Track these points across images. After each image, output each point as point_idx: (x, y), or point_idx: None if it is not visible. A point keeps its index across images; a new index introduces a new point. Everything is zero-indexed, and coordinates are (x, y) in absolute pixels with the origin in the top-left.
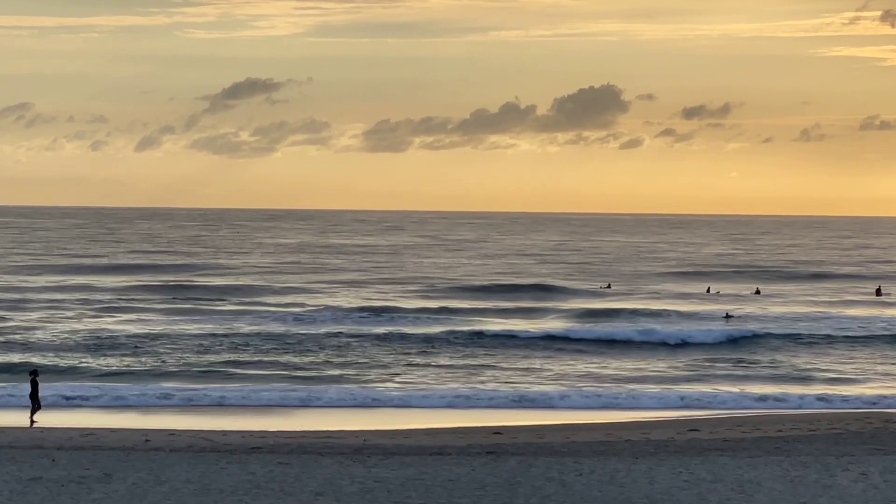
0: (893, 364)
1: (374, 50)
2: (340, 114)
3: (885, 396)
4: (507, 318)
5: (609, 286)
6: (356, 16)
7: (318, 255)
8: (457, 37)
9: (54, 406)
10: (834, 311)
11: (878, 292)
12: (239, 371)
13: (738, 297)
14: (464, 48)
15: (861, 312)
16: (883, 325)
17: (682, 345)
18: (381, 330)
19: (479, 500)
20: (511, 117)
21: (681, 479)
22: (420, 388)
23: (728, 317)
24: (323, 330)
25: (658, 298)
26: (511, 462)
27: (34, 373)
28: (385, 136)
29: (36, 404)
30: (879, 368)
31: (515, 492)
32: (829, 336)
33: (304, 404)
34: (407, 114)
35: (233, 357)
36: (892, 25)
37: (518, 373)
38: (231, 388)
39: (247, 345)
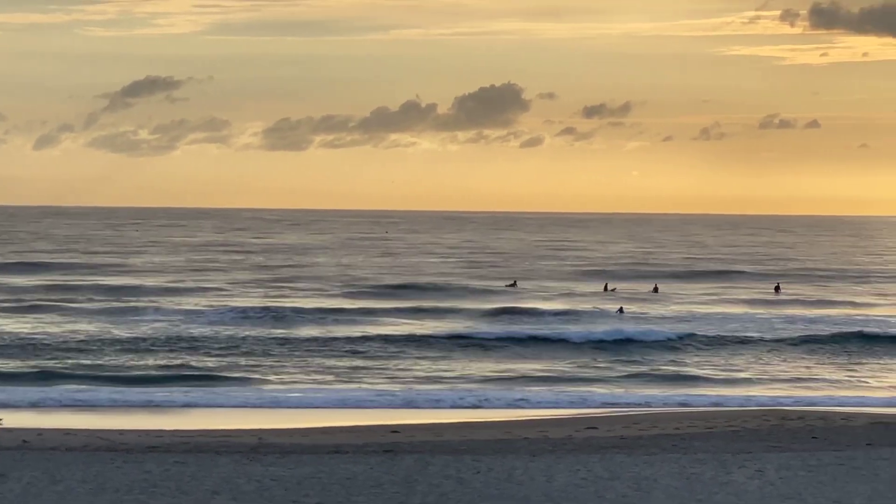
0: (791, 362)
1: (275, 48)
2: (241, 112)
3: (781, 395)
4: (409, 318)
5: (514, 284)
6: (256, 14)
7: (217, 253)
8: (357, 35)
9: None
10: (733, 309)
11: (777, 290)
12: (137, 371)
13: (636, 296)
14: (364, 47)
15: (760, 311)
16: (781, 323)
17: (581, 343)
18: (279, 330)
19: (375, 499)
20: (412, 116)
21: (578, 477)
22: (317, 388)
23: (621, 311)
24: (221, 329)
25: (560, 297)
26: (408, 460)
27: None
28: (285, 135)
29: None
30: (778, 366)
31: (412, 490)
32: (725, 336)
33: (202, 404)
34: (307, 112)
35: (130, 357)
36: (792, 25)
37: (417, 372)
38: (128, 389)
39: (145, 344)
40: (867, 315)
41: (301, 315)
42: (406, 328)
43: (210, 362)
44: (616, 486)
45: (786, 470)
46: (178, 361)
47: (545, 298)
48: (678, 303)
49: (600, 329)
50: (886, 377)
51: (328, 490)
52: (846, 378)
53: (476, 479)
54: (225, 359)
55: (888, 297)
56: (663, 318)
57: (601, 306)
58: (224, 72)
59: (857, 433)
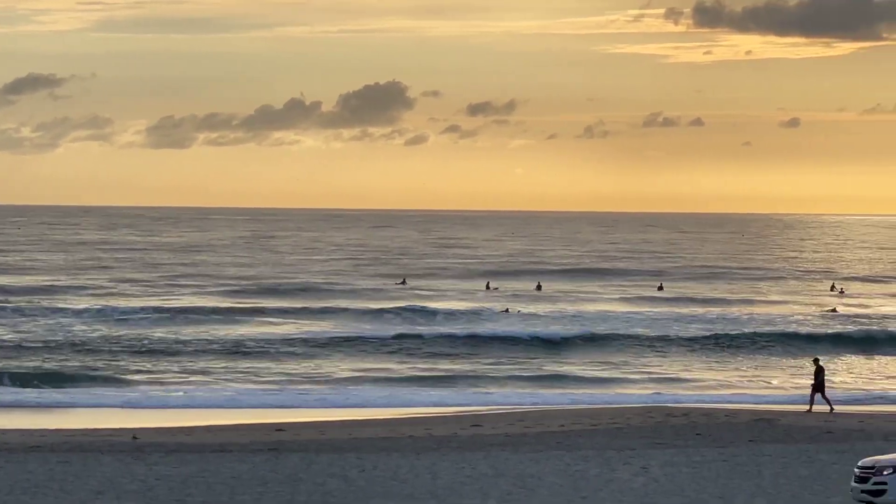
0: (674, 360)
1: (159, 45)
2: (124, 110)
3: (664, 392)
4: (295, 318)
5: (404, 282)
6: (140, 11)
7: (100, 252)
8: (242, 32)
9: None
10: (617, 307)
11: (660, 288)
12: (16, 370)
13: (520, 294)
14: (249, 44)
15: (644, 308)
16: (664, 321)
17: (467, 342)
18: (161, 329)
19: (260, 497)
20: (296, 113)
21: (463, 475)
22: (202, 387)
23: (507, 311)
24: (103, 329)
25: (448, 295)
26: (293, 459)
27: None
28: (169, 132)
29: None
30: (661, 364)
31: (297, 488)
32: (608, 334)
33: (82, 403)
34: (191, 110)
35: (9, 356)
36: (676, 23)
37: (302, 372)
38: (6, 389)
39: (26, 343)
40: (751, 312)
41: (183, 314)
42: (292, 328)
43: (91, 362)
44: (501, 483)
45: (670, 466)
46: (59, 361)
47: (435, 297)
48: (562, 301)
49: (486, 328)
50: (769, 374)
51: (213, 489)
52: (729, 375)
53: (361, 477)
54: (106, 358)
55: (769, 295)
56: (547, 316)
57: (488, 305)
58: (107, 69)
59: (740, 430)
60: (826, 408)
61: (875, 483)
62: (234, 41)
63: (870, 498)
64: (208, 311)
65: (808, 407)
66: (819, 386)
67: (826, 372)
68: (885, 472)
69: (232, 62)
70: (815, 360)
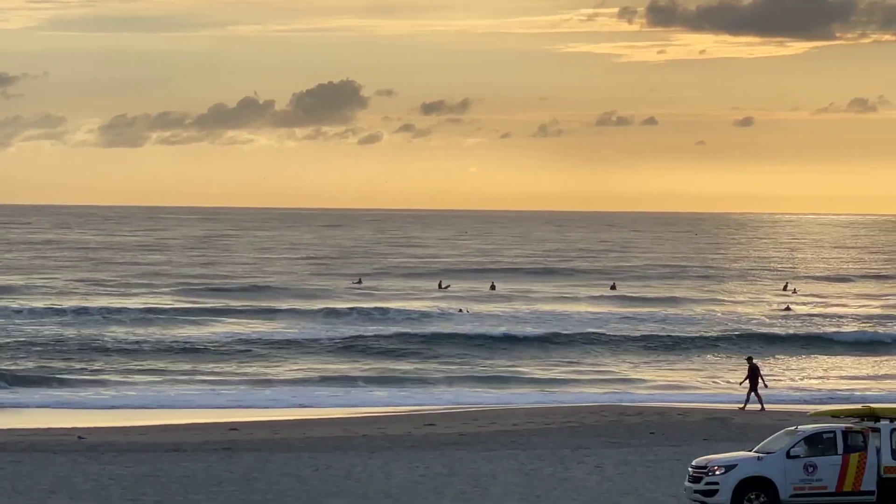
0: (627, 360)
1: (111, 44)
2: (77, 108)
3: (617, 391)
4: (247, 319)
5: (360, 281)
6: (92, 9)
7: (50, 251)
8: (194, 31)
9: None
10: (570, 307)
11: (613, 287)
12: None
13: (473, 294)
14: (201, 43)
15: (597, 308)
16: (617, 321)
17: (421, 340)
18: (114, 330)
19: (215, 497)
20: (249, 112)
21: (417, 474)
22: (154, 387)
23: (461, 311)
24: (59, 329)
25: (402, 295)
26: (247, 458)
27: None
28: (122, 131)
29: None
30: (614, 364)
31: (252, 487)
32: (562, 334)
33: (37, 404)
34: (144, 109)
35: None
36: (630, 22)
37: (255, 372)
38: None
39: None
40: (704, 312)
41: (136, 314)
42: (245, 328)
43: (44, 362)
44: (455, 482)
45: (624, 465)
46: (11, 361)
47: (389, 297)
48: (515, 301)
49: (439, 328)
50: (722, 374)
51: (167, 488)
52: (682, 375)
53: (315, 476)
54: (58, 359)
55: (722, 294)
56: (500, 316)
57: (441, 304)
58: (59, 68)
59: (693, 429)
60: (759, 406)
61: (707, 483)
62: (186, 40)
63: (702, 498)
64: (161, 311)
65: (741, 405)
66: (753, 384)
67: (762, 370)
68: (716, 472)
69: (184, 61)
70: (749, 359)
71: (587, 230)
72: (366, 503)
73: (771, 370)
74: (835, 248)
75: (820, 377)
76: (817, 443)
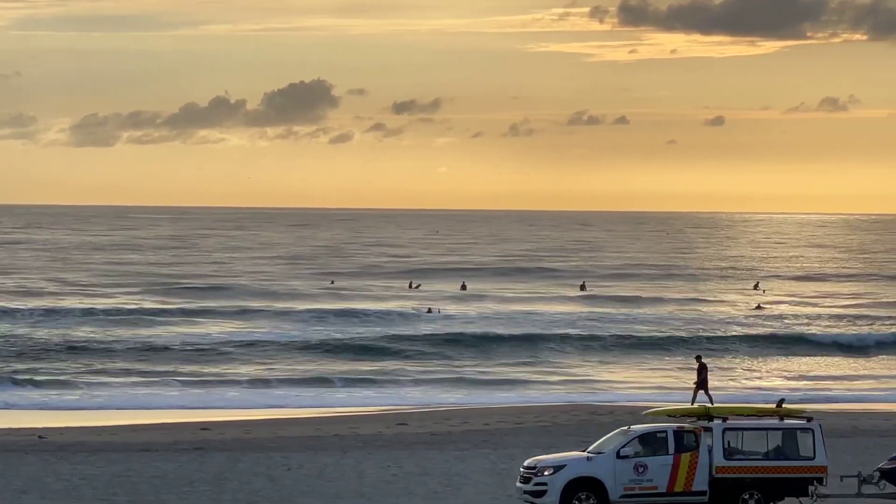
0: (597, 359)
1: (82, 43)
2: (48, 108)
3: (587, 391)
4: (218, 319)
5: (332, 282)
6: (63, 9)
7: (18, 251)
8: (166, 31)
9: None
10: (540, 307)
11: (583, 287)
12: None
13: (444, 293)
14: (173, 42)
15: (567, 308)
16: (587, 320)
17: (392, 341)
18: (84, 330)
19: (186, 496)
20: (221, 112)
21: (389, 473)
22: (124, 387)
23: (430, 311)
24: (28, 329)
25: (375, 296)
26: (218, 458)
27: None
28: (93, 131)
29: None
30: (584, 364)
31: (223, 487)
32: (533, 334)
33: (6, 404)
34: (115, 108)
35: None
36: (601, 21)
37: (226, 372)
38: None
39: None
40: (674, 311)
41: (106, 315)
42: (216, 328)
43: (13, 362)
44: (427, 481)
45: None
46: None
47: (359, 297)
48: (486, 300)
49: (409, 329)
50: (692, 373)
51: (138, 488)
52: (652, 374)
53: (287, 476)
54: (26, 359)
55: (692, 294)
56: (471, 317)
57: (412, 304)
58: (30, 67)
59: None
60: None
61: (536, 484)
62: (158, 39)
63: (532, 499)
64: (131, 312)
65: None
66: (702, 383)
67: (709, 369)
68: (545, 473)
69: (156, 60)
70: (698, 358)
71: (558, 230)
72: (338, 502)
73: (735, 369)
74: (806, 247)
75: (788, 376)
76: (649, 443)
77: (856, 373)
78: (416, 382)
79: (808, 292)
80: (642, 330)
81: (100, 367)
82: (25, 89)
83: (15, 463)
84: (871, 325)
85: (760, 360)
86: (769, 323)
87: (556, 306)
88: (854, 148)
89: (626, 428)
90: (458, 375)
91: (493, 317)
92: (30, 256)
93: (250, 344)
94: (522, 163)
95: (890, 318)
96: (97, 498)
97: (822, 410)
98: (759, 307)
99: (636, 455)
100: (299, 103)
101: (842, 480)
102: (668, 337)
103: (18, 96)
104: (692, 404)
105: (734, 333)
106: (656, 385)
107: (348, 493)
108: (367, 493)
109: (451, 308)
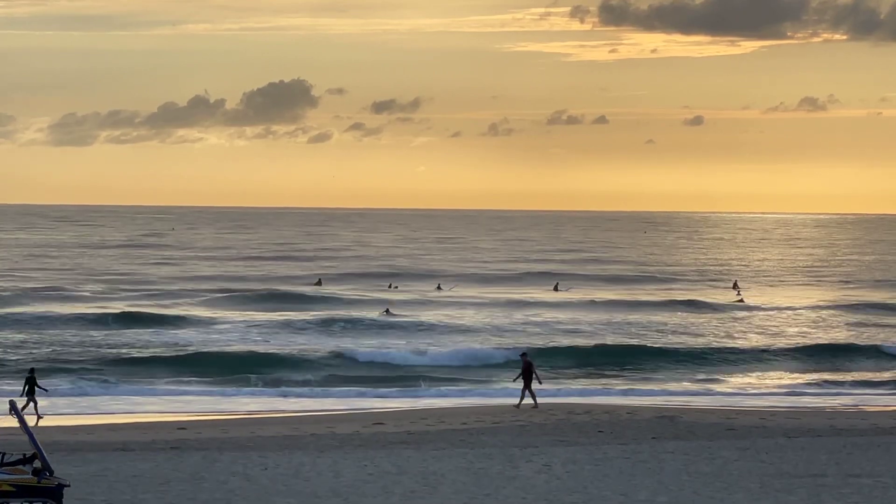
0: (574, 361)
1: (60, 42)
2: (26, 107)
3: (566, 389)
4: (197, 320)
5: (319, 283)
6: (41, 8)
7: None
8: (144, 30)
9: None
10: (514, 307)
11: (556, 288)
12: None
13: (419, 295)
14: (151, 41)
15: (540, 310)
16: (561, 323)
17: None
18: (62, 331)
19: (163, 496)
20: (200, 111)
21: (366, 473)
22: (99, 386)
23: (388, 312)
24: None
25: (365, 297)
26: (195, 457)
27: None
28: (71, 130)
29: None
30: (563, 363)
31: (200, 487)
32: (508, 332)
33: None
34: (93, 107)
35: None
36: (582, 21)
37: (196, 373)
38: None
39: None
40: (651, 312)
41: (82, 317)
42: (192, 329)
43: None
44: (404, 481)
45: (572, 464)
46: None
47: (339, 298)
48: (461, 301)
49: (387, 330)
50: (672, 373)
51: (114, 488)
52: (632, 374)
53: (263, 475)
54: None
55: (670, 294)
56: (450, 317)
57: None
58: (8, 66)
59: (642, 427)
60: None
61: None
62: (136, 38)
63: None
64: (107, 313)
65: (517, 402)
66: (527, 381)
67: (535, 366)
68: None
69: (135, 59)
70: (523, 355)
71: (536, 230)
72: (315, 502)
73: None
74: (783, 247)
75: (770, 377)
76: None
77: (833, 378)
78: (389, 382)
79: (785, 292)
80: (619, 330)
81: (75, 366)
82: (3, 89)
83: None
84: (848, 326)
85: (739, 357)
86: (749, 322)
87: (529, 309)
88: (833, 148)
89: None
90: (434, 376)
91: (467, 317)
92: (4, 257)
93: (228, 344)
94: (501, 162)
95: (865, 321)
96: (73, 497)
97: (800, 408)
98: (741, 301)
99: None
100: (278, 103)
101: None
102: (647, 335)
103: None
104: (518, 405)
105: (713, 331)
106: (633, 385)
107: (325, 492)
108: (344, 492)
109: (426, 308)
